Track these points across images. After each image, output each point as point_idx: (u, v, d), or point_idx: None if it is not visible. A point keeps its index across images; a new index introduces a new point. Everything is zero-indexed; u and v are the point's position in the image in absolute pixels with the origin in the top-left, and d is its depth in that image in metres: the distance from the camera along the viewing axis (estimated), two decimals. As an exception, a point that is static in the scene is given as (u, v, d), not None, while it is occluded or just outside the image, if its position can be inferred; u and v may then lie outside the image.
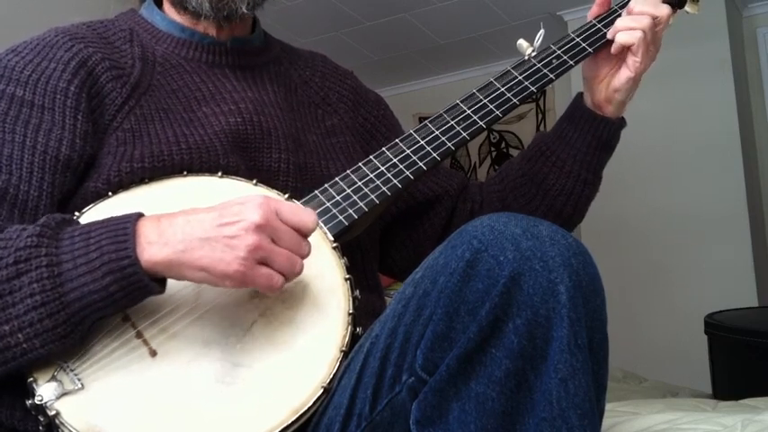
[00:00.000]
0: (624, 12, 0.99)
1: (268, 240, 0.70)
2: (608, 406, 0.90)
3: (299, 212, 0.73)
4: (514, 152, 3.89)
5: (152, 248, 0.69)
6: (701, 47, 2.98)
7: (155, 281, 0.70)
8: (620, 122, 1.02)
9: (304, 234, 0.74)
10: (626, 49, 0.97)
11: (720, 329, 2.03)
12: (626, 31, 0.96)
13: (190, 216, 0.71)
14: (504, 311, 0.62)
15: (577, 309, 0.63)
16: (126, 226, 0.70)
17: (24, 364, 0.69)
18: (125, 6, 1.04)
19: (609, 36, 0.99)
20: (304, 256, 0.74)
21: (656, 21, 0.97)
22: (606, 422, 0.86)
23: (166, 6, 1.01)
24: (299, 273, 0.73)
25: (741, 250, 2.90)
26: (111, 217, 0.72)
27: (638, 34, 0.95)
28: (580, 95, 1.04)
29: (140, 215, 0.72)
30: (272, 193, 0.86)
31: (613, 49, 0.98)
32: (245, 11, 0.96)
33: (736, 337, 1.97)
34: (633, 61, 0.97)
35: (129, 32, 0.98)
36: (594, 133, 1.01)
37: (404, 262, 1.10)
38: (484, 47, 3.66)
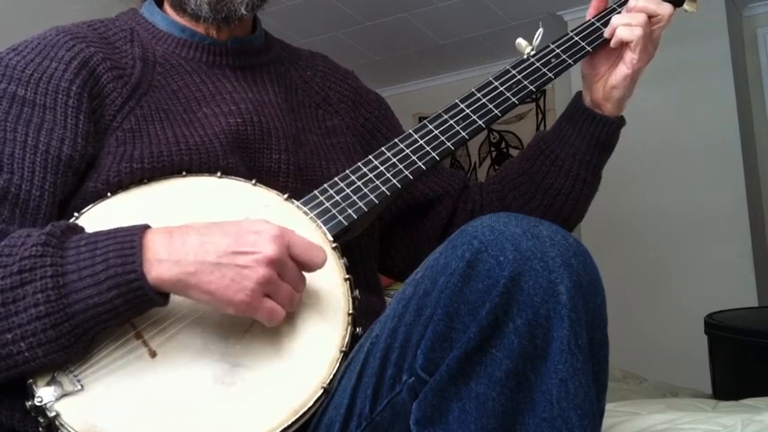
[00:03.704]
0: (624, 10, 0.99)
1: (276, 275, 0.71)
2: (608, 406, 0.90)
3: (310, 250, 0.74)
4: (514, 152, 3.89)
5: (162, 266, 0.69)
6: (700, 47, 2.98)
7: (159, 294, 0.70)
8: (620, 121, 1.02)
9: (310, 270, 0.75)
10: (624, 46, 0.97)
11: (720, 329, 2.03)
12: (625, 27, 0.96)
13: (204, 237, 0.70)
14: (504, 312, 0.62)
15: (577, 309, 0.63)
16: (133, 239, 0.69)
17: (27, 372, 0.69)
18: (126, 6, 1.04)
19: (606, 35, 0.99)
20: (300, 292, 0.75)
21: (656, 18, 0.96)
22: (606, 422, 0.85)
23: (167, 7, 1.01)
24: (296, 307, 0.75)
25: (741, 250, 2.90)
26: (118, 228, 0.72)
27: (638, 32, 0.95)
28: (579, 94, 1.04)
29: (147, 227, 0.72)
30: (272, 194, 0.87)
31: (612, 43, 0.98)
32: (244, 12, 0.95)
33: (736, 337, 1.97)
34: (631, 58, 0.96)
35: (130, 32, 0.97)
36: (594, 132, 1.00)
37: (403, 262, 1.10)
38: (484, 47, 3.66)
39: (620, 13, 1.00)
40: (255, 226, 0.72)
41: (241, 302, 0.69)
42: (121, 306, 0.68)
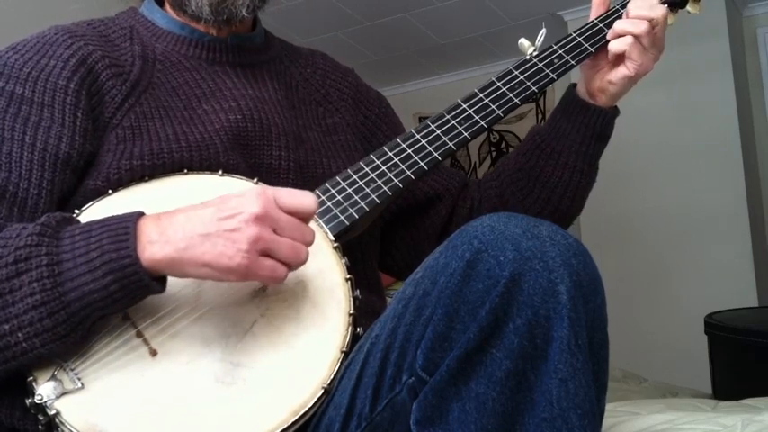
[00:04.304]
0: (624, 14, 0.99)
1: (269, 231, 0.69)
2: (608, 406, 0.90)
3: (297, 197, 0.73)
4: (514, 152, 3.88)
5: (153, 247, 0.69)
6: (700, 47, 2.98)
7: (155, 280, 0.70)
8: (614, 112, 1.02)
9: (306, 217, 0.73)
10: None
11: (720, 329, 2.03)
12: (617, 38, 0.96)
13: (189, 213, 0.70)
14: (504, 311, 0.62)
15: (577, 309, 0.63)
16: (127, 225, 0.70)
17: (25, 363, 0.69)
18: (126, 5, 1.04)
19: (609, 38, 0.98)
20: (308, 244, 0.73)
21: (652, 23, 0.96)
22: (606, 422, 0.86)
23: (167, 6, 1.01)
24: (305, 261, 0.72)
25: (741, 250, 2.90)
26: (112, 216, 0.72)
27: (629, 40, 0.95)
28: (573, 87, 1.04)
29: (141, 214, 0.72)
30: (273, 192, 0.86)
31: (609, 56, 0.98)
32: (245, 14, 0.96)
33: (736, 337, 1.97)
34: (631, 63, 0.97)
35: (130, 30, 0.97)
36: (589, 124, 1.01)
37: (404, 260, 1.10)
38: (484, 47, 3.66)
39: (623, 13, 1.00)
40: (237, 192, 0.71)
41: (239, 266, 0.68)
42: (117, 292, 0.68)
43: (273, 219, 0.70)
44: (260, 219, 0.69)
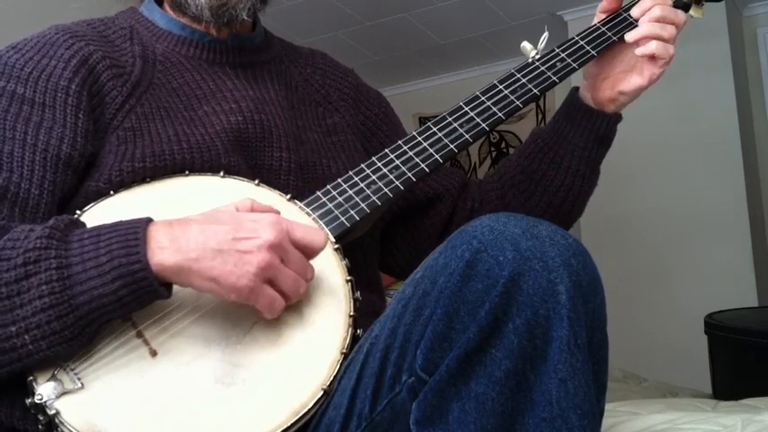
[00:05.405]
0: (645, 17, 0.96)
1: (278, 260, 0.71)
2: (608, 406, 0.90)
3: (310, 233, 0.75)
4: (514, 152, 3.88)
5: (163, 253, 0.69)
6: (700, 47, 2.98)
7: (163, 285, 0.70)
8: (617, 117, 1.02)
9: (312, 254, 0.75)
10: (645, 57, 0.96)
11: (720, 329, 2.03)
12: (660, 43, 0.94)
13: (204, 225, 0.71)
14: (503, 312, 0.62)
15: (577, 309, 0.63)
16: (137, 230, 0.70)
17: (30, 365, 0.69)
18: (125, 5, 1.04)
19: (630, 39, 0.96)
20: (309, 280, 0.75)
21: (678, 27, 0.95)
22: (606, 422, 0.86)
23: (167, 6, 1.01)
24: (303, 295, 0.75)
25: (741, 250, 2.90)
26: (121, 221, 0.72)
27: (671, 51, 0.94)
28: (575, 90, 1.04)
29: (150, 220, 0.72)
30: (274, 194, 0.87)
31: (639, 51, 0.95)
32: (246, 17, 0.96)
33: (736, 337, 1.97)
34: (651, 73, 0.96)
35: (130, 30, 0.97)
36: (592, 128, 1.00)
37: (405, 260, 1.10)
38: (484, 47, 3.66)
39: (626, 17, 1.00)
40: (252, 214, 0.73)
41: (244, 288, 0.69)
42: (126, 297, 0.68)
43: (284, 249, 0.72)
44: (273, 247, 0.70)
